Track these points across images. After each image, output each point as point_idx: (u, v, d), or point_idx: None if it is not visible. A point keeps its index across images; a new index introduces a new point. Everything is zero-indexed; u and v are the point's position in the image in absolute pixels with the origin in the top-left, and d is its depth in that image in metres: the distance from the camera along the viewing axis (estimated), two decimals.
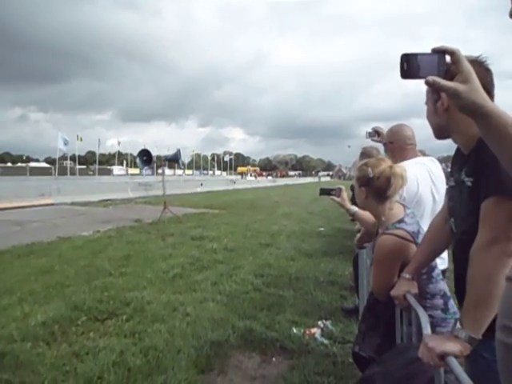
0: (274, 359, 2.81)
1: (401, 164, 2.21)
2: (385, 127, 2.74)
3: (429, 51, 0.84)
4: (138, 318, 3.44)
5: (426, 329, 1.20)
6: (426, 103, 1.31)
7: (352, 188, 2.66)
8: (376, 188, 1.67)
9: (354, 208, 2.11)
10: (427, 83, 0.82)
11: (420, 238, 1.58)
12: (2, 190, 15.03)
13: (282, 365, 2.72)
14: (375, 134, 2.75)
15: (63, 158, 44.89)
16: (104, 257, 5.82)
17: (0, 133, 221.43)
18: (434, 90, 0.91)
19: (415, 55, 0.84)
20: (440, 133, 1.27)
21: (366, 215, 2.03)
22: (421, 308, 1.32)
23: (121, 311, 3.60)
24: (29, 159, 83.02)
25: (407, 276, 1.50)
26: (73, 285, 4.39)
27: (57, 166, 39.00)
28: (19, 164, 58.58)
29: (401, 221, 1.63)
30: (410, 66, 0.84)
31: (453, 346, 1.01)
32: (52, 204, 14.41)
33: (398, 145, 2.27)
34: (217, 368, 2.66)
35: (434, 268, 1.62)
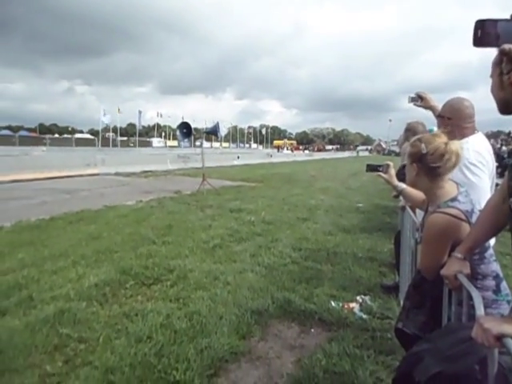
0: (312, 330, 2.87)
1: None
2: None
3: (507, 17, 0.78)
4: (182, 285, 3.61)
5: (480, 310, 1.18)
6: (491, 76, 1.23)
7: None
8: (429, 164, 1.61)
9: (402, 185, 2.05)
10: (502, 52, 0.76)
11: (474, 218, 1.53)
12: (52, 159, 15.97)
13: (320, 336, 2.79)
14: (418, 98, 2.60)
15: (106, 129, 46.49)
16: (147, 225, 6.09)
17: (48, 105, 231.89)
18: (509, 60, 0.84)
19: (492, 21, 0.78)
20: (505, 108, 1.20)
21: (415, 193, 1.97)
22: (474, 289, 1.30)
23: (165, 277, 3.79)
24: (74, 131, 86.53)
25: (459, 256, 1.46)
26: (120, 251, 4.65)
27: (100, 137, 40.47)
28: (65, 135, 61.34)
29: (454, 199, 1.58)
30: (484, 34, 0.78)
31: (510, 328, 0.99)
32: (97, 174, 15.11)
33: (456, 122, 2.16)
34: (257, 335, 2.77)
35: (487, 248, 1.58)
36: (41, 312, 2.95)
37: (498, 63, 1.18)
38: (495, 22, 0.77)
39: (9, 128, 79.75)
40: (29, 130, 71.77)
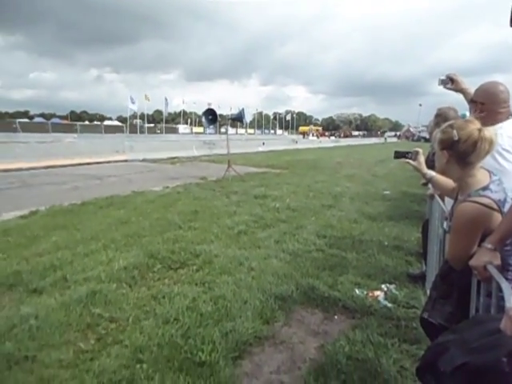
0: (336, 317, 2.88)
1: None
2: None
3: None
4: (207, 270, 3.68)
5: (510, 302, 1.15)
6: None
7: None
8: (460, 152, 1.56)
9: (432, 173, 2.00)
10: None
11: (507, 207, 1.47)
12: (82, 146, 16.45)
13: (344, 323, 2.79)
14: (448, 81, 2.49)
15: (133, 116, 47.25)
16: (174, 211, 6.21)
17: (79, 93, 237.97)
18: None
19: None
20: None
21: (444, 181, 1.92)
22: (504, 280, 1.27)
23: (191, 262, 3.88)
24: (103, 118, 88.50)
25: (489, 246, 1.42)
26: (148, 235, 4.78)
27: (128, 124, 41.21)
28: (95, 122, 62.92)
29: (485, 188, 1.53)
30: None
31: None
32: (126, 160, 15.48)
33: (490, 107, 2.06)
34: (281, 320, 2.80)
35: None
36: (74, 292, 3.09)
37: None
38: None
39: (42, 115, 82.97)
40: (61, 117, 74.16)
